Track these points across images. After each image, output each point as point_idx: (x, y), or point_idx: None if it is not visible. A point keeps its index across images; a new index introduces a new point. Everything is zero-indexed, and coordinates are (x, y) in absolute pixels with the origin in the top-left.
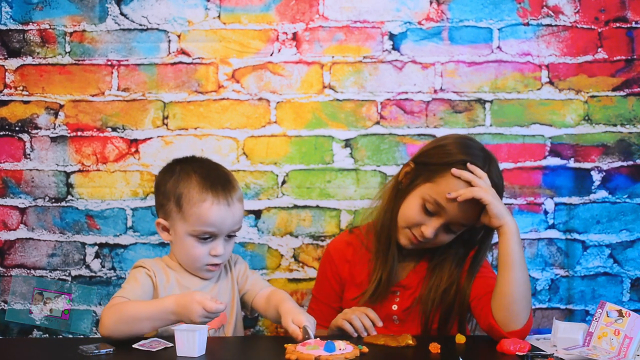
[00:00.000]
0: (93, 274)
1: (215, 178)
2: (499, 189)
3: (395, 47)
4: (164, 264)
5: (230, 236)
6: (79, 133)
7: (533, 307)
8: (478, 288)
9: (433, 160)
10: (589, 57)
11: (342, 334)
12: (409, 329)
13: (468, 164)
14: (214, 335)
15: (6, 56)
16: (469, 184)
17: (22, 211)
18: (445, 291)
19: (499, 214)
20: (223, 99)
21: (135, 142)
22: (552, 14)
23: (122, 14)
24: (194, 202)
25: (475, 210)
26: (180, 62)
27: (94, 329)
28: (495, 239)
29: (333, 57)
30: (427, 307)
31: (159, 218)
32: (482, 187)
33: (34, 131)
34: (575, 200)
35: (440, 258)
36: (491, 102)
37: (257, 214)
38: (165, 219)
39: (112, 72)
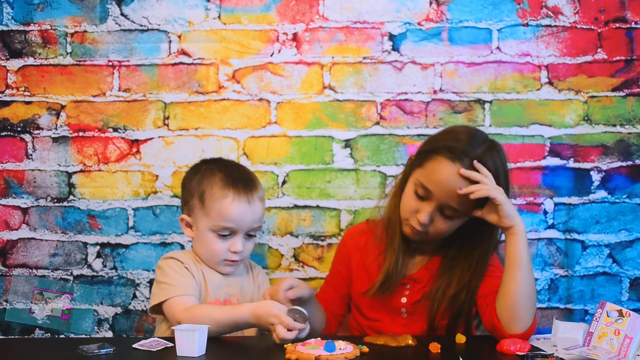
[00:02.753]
0: (95, 274)
1: (238, 176)
2: (498, 176)
3: (395, 48)
4: (194, 257)
5: (250, 235)
6: (81, 133)
7: None
8: (487, 287)
9: (422, 148)
10: (588, 58)
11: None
12: (417, 322)
13: (475, 162)
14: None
15: (8, 57)
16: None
17: (24, 211)
18: (456, 295)
19: (510, 214)
20: (223, 99)
21: (136, 142)
22: (552, 14)
23: (122, 14)
24: (216, 197)
25: (464, 194)
26: (181, 63)
27: (96, 328)
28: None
29: (333, 57)
30: (434, 307)
31: (182, 214)
32: (493, 187)
33: (36, 131)
34: (574, 200)
35: (452, 263)
36: (490, 102)
37: None
38: (188, 215)
39: (113, 73)
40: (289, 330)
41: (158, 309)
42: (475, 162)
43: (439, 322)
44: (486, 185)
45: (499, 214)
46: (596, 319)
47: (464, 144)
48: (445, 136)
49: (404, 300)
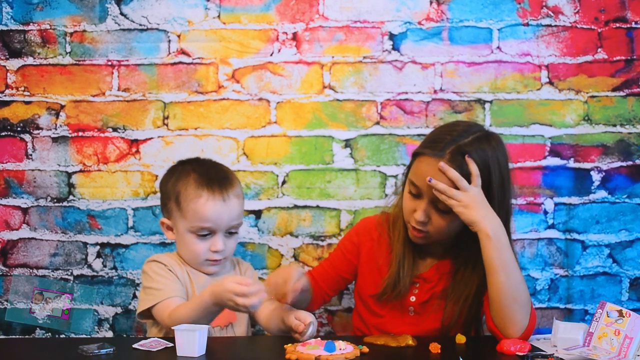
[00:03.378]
0: (95, 274)
1: (213, 175)
2: (490, 169)
3: (395, 47)
4: (178, 259)
5: (231, 233)
6: (80, 133)
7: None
8: None
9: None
10: (588, 58)
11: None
12: (423, 322)
13: (466, 157)
14: (220, 333)
15: (7, 57)
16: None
17: (25, 211)
18: (474, 297)
19: (471, 221)
20: (223, 99)
21: (135, 142)
22: (552, 14)
23: (122, 14)
24: (191, 198)
25: (450, 184)
26: (180, 62)
27: (96, 328)
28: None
29: (333, 57)
30: (453, 308)
31: (162, 217)
32: (455, 196)
33: (36, 131)
34: (574, 200)
35: (467, 265)
36: (491, 102)
37: (258, 214)
38: (168, 218)
39: (112, 73)
40: (245, 296)
41: (146, 313)
42: (467, 157)
43: (451, 322)
44: (450, 191)
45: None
46: (596, 319)
47: (450, 137)
48: (437, 130)
49: (412, 299)
